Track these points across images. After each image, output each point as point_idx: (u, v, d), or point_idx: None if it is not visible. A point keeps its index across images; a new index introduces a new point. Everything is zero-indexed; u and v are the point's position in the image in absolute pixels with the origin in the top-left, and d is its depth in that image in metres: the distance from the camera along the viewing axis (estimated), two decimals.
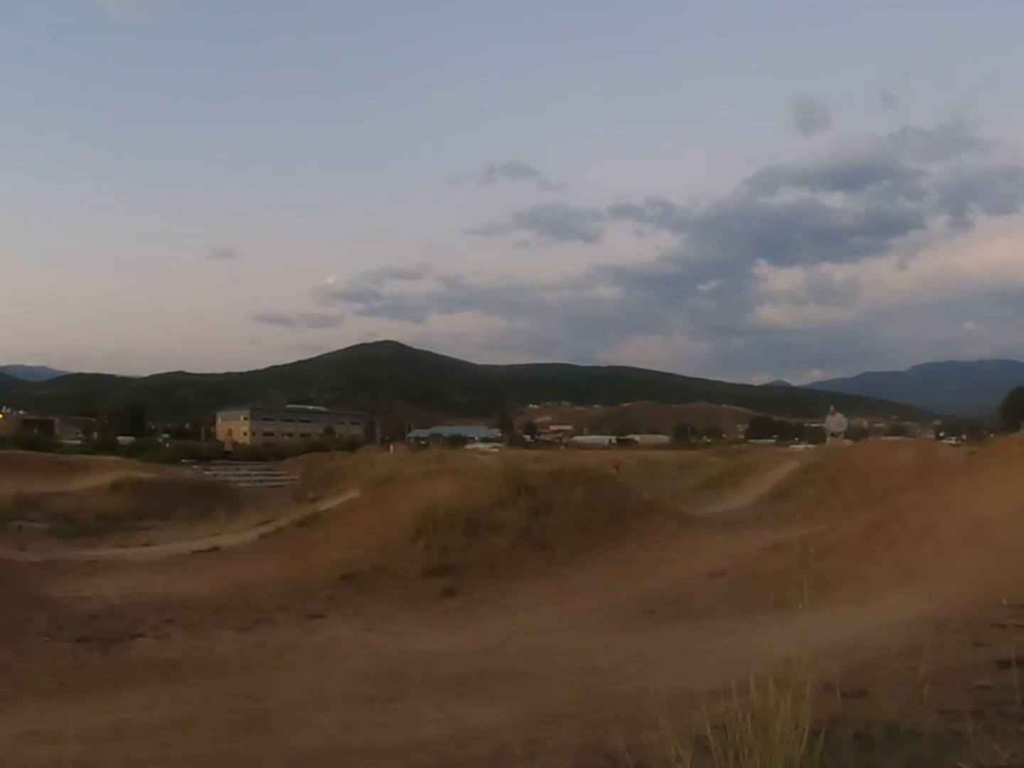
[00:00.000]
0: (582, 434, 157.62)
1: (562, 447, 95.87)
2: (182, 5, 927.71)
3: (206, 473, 29.52)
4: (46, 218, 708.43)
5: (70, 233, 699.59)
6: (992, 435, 37.72)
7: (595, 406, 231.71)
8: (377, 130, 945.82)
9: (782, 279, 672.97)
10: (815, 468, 17.32)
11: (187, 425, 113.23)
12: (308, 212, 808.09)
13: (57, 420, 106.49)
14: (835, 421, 22.56)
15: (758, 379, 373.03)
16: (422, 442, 76.97)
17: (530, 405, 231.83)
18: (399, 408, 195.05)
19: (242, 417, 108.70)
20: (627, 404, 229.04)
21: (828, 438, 22.97)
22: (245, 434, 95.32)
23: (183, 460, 35.54)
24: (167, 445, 52.30)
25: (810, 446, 39.82)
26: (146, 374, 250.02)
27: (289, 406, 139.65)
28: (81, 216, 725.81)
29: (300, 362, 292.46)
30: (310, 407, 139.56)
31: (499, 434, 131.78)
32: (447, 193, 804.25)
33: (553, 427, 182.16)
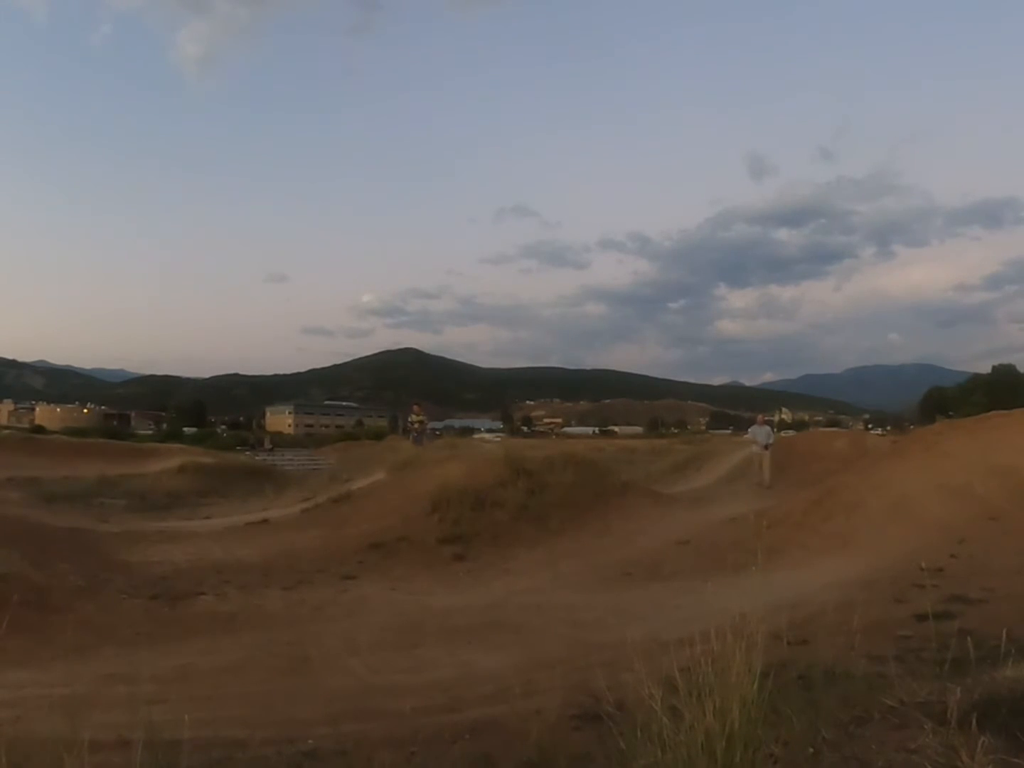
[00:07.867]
0: (570, 426, 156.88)
1: (553, 437, 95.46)
2: (249, 75, 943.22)
3: (257, 458, 29.47)
4: (126, 250, 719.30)
5: (147, 261, 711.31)
6: (912, 427, 37.66)
7: (581, 402, 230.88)
8: (409, 180, 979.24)
9: (738, 298, 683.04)
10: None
11: (241, 418, 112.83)
12: (349, 245, 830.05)
13: (133, 414, 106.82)
14: (763, 432, 14.54)
15: (717, 380, 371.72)
16: (437, 433, 76.60)
17: (527, 401, 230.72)
18: None
19: (287, 412, 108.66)
20: (608, 400, 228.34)
21: (753, 447, 14.62)
22: (289, 426, 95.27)
23: (238, 447, 35.58)
24: (224, 435, 52.34)
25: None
26: (207, 375, 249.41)
27: (326, 402, 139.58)
28: (157, 247, 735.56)
29: (335, 366, 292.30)
30: (344, 403, 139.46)
31: (501, 426, 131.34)
32: (465, 229, 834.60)
33: (546, 420, 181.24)
